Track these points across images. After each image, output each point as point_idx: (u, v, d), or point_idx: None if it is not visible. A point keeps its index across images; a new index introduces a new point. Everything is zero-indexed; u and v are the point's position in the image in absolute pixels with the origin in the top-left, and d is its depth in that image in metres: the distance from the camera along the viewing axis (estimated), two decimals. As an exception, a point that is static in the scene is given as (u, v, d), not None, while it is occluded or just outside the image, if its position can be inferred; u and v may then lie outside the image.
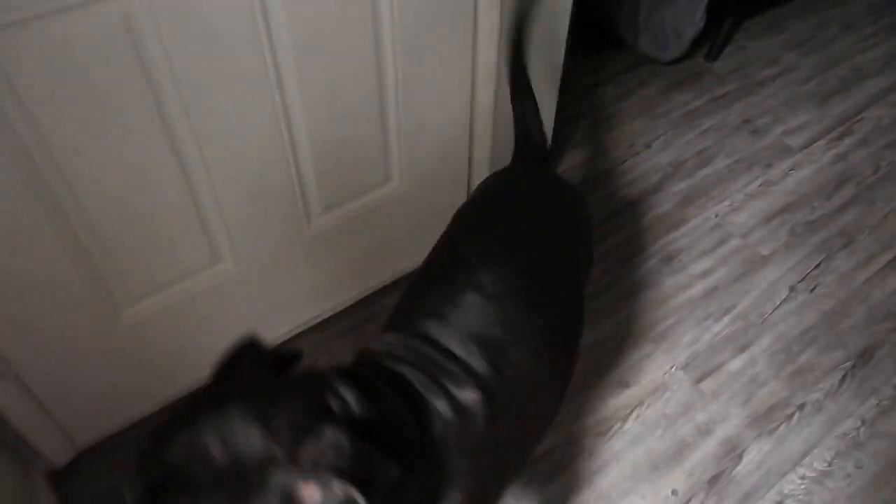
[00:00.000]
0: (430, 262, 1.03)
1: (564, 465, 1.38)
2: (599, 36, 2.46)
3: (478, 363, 0.85)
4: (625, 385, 1.51)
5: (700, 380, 1.53)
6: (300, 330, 1.58)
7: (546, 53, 1.54)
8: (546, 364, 0.94)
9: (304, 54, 1.12)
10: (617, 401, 1.49)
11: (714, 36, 2.37)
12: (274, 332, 1.52)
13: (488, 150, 1.59)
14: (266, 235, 1.33)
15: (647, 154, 2.07)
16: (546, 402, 0.97)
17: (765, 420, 1.46)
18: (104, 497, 1.32)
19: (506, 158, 1.57)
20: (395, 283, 1.68)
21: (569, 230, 1.09)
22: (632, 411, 1.47)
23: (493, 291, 0.91)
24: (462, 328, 0.87)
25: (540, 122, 1.26)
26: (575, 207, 1.16)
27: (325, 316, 1.60)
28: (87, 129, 0.97)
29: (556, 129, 1.95)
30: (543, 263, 1.00)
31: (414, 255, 1.65)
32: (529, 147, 1.26)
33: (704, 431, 1.44)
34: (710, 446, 1.42)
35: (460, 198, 1.66)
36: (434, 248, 1.06)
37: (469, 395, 0.82)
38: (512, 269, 0.95)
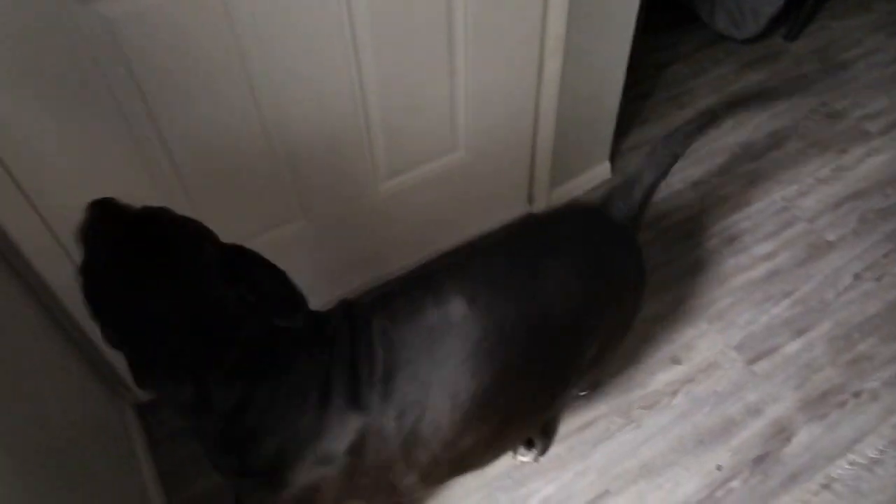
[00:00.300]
0: (445, 254, 1.01)
1: (610, 434, 1.42)
2: (674, 12, 2.42)
3: (380, 404, 0.83)
4: (676, 361, 1.53)
5: (753, 361, 1.53)
6: (361, 290, 1.65)
7: (614, 31, 1.54)
8: (455, 436, 0.88)
9: (379, 16, 1.17)
10: (667, 376, 1.51)
11: (795, 15, 2.30)
12: (336, 291, 1.60)
13: (552, 126, 1.61)
14: (337, 197, 1.40)
15: (716, 134, 2.04)
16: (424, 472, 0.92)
17: (818, 405, 1.45)
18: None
19: (570, 139, 1.60)
20: (455, 252, 1.73)
21: (592, 310, 0.99)
22: (681, 387, 1.49)
23: (455, 324, 0.86)
24: (402, 353, 0.85)
25: (651, 188, 1.13)
26: (624, 286, 1.08)
27: (385, 279, 1.67)
28: (181, 89, 1.05)
29: (623, 107, 1.95)
30: (531, 338, 0.91)
31: (475, 226, 1.70)
32: (622, 199, 1.13)
33: (754, 411, 1.45)
34: (758, 426, 1.43)
35: (523, 173, 1.70)
36: (462, 246, 1.04)
37: (349, 426, 0.82)
38: (489, 319, 0.88)
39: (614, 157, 1.95)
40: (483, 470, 1.37)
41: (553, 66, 1.48)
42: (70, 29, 0.91)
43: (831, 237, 1.76)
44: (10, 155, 0.98)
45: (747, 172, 1.93)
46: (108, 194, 1.08)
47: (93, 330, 1.29)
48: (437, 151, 1.47)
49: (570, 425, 1.43)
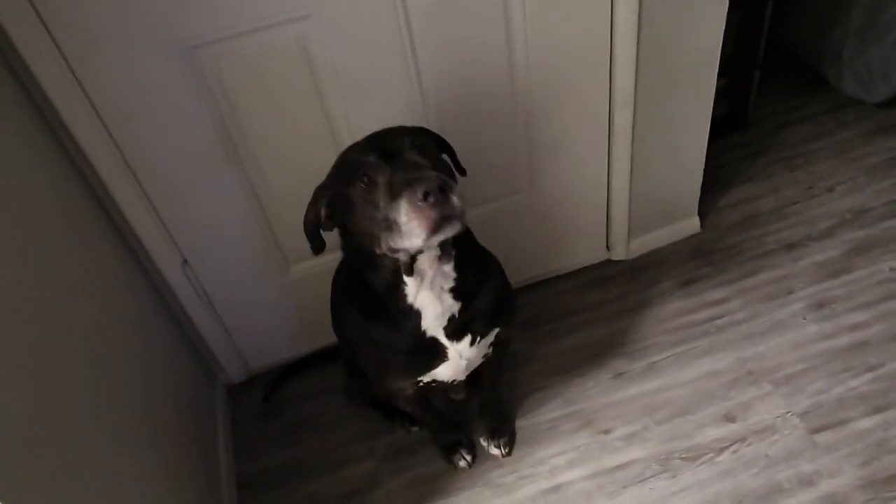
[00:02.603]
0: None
1: (644, 479, 1.42)
2: (801, 74, 2.36)
3: None
4: (730, 419, 1.50)
5: (817, 431, 1.45)
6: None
7: (693, 85, 1.58)
8: None
9: (441, 77, 1.34)
10: (716, 432, 1.48)
11: (941, 79, 2.15)
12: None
13: (626, 177, 1.66)
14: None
15: (827, 198, 1.96)
16: None
17: (882, 486, 1.35)
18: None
19: (649, 191, 1.65)
20: (528, 288, 1.82)
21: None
22: (729, 445, 1.45)
23: None
24: None
25: None
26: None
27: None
28: (269, 121, 1.30)
29: (728, 164, 1.96)
30: None
31: (552, 266, 1.80)
32: None
33: (806, 482, 1.38)
34: (808, 498, 1.36)
35: (599, 221, 1.77)
36: None
37: None
38: None
39: (708, 212, 1.94)
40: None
41: (623, 119, 1.55)
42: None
43: (939, 315, 1.63)
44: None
45: (853, 239, 1.83)
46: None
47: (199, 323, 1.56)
48: (505, 191, 1.60)
49: (604, 464, 1.46)
